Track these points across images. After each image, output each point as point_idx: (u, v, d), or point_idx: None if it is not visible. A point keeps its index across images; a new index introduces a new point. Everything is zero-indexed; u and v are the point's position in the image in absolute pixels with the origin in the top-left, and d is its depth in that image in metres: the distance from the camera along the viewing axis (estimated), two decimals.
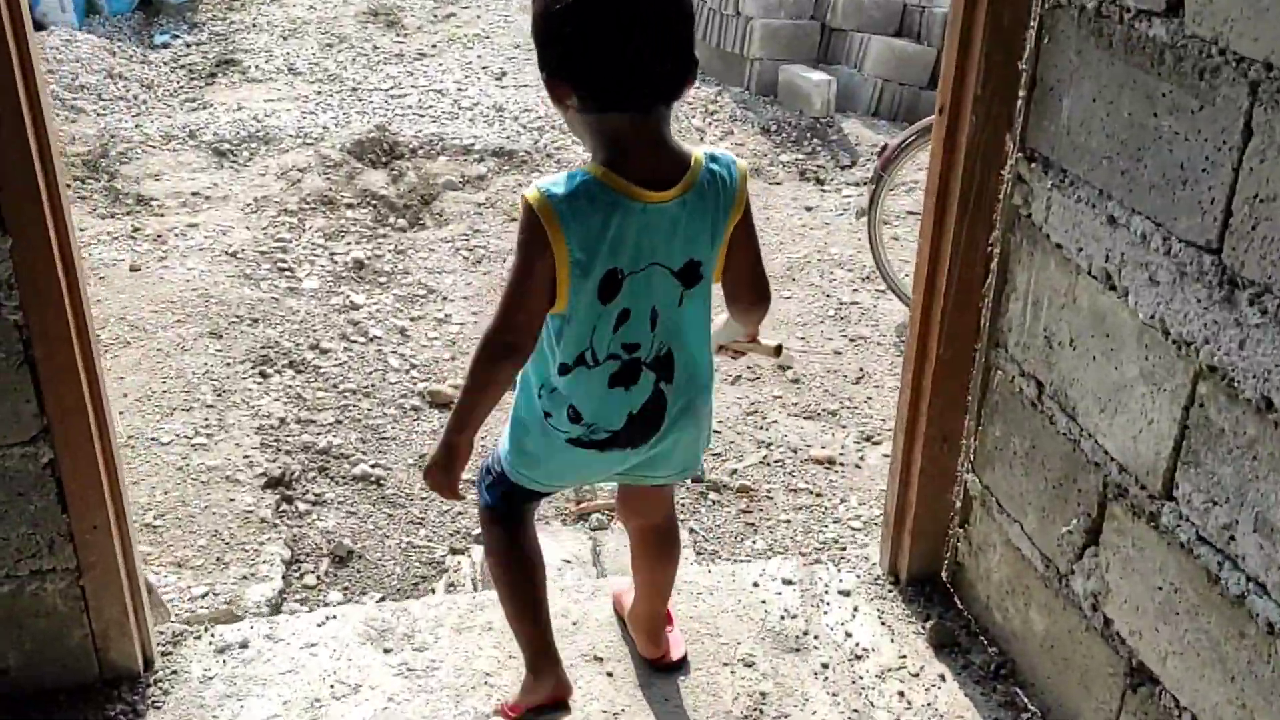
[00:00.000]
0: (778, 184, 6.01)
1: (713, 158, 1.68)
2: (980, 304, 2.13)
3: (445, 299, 4.65)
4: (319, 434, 3.70)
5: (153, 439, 3.54)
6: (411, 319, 4.48)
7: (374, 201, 5.34)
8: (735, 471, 3.65)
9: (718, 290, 1.84)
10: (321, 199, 5.26)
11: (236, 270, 4.58)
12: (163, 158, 5.53)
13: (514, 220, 5.37)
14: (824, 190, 5.94)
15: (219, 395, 3.80)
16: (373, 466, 3.59)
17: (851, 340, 4.52)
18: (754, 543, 3.32)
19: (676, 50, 1.54)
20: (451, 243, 5.08)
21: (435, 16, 7.97)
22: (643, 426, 1.78)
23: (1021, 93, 1.89)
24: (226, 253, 4.69)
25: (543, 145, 6.05)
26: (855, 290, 4.90)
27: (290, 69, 6.96)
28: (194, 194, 5.18)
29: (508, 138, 6.01)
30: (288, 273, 4.65)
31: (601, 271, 1.61)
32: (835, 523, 3.43)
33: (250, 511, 3.26)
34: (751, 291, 1.84)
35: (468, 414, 1.74)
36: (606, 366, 1.72)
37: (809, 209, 5.69)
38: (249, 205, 5.13)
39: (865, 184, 5.85)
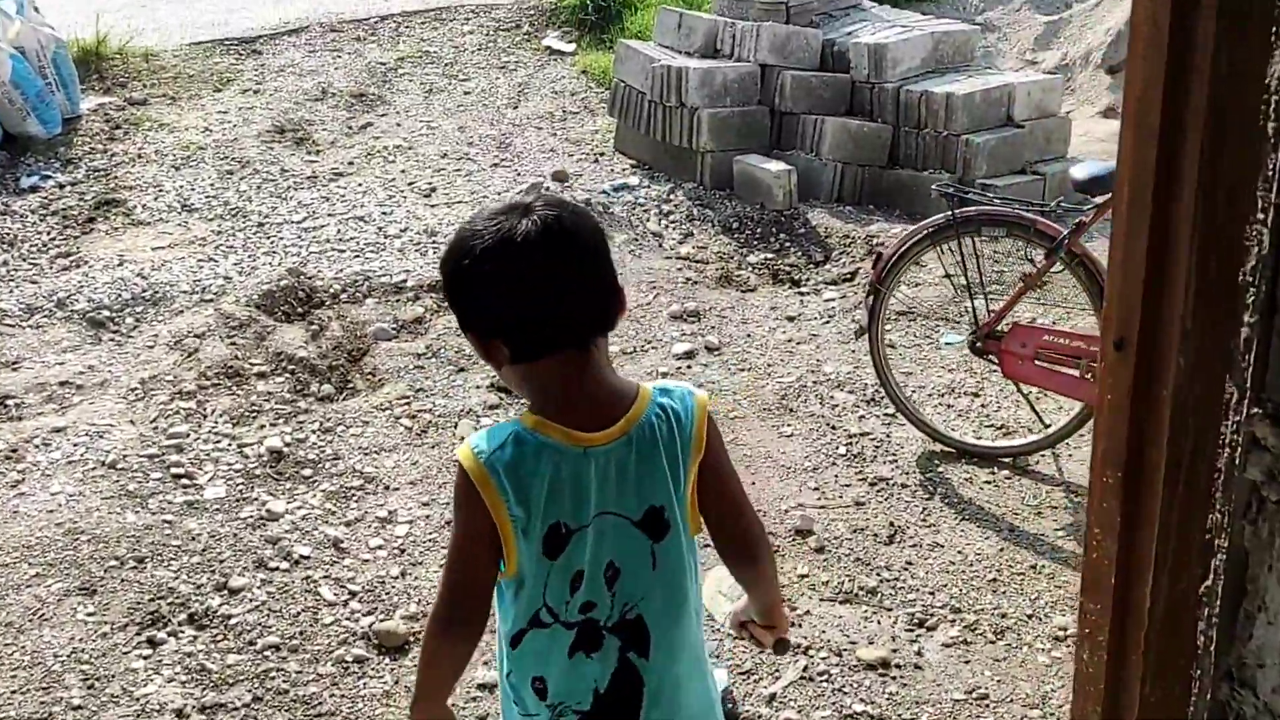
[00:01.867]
0: (751, 290, 5.17)
1: (664, 391, 1.56)
2: (1197, 616, 1.37)
3: (387, 488, 3.69)
4: None
5: None
6: (347, 524, 3.51)
7: (291, 367, 4.38)
8: (774, 698, 2.77)
9: None
10: (225, 371, 4.30)
11: (116, 488, 3.59)
12: (24, 338, 4.55)
13: (461, 370, 4.44)
14: (802, 294, 5.12)
15: (90, 688, 2.80)
16: None
17: (872, 485, 3.66)
18: None
19: (601, 281, 1.50)
20: (389, 410, 4.13)
21: (350, 129, 7.08)
22: (615, 708, 1.56)
23: (1249, 319, 1.19)
24: (102, 464, 3.70)
25: None
26: (862, 417, 4.06)
27: (184, 205, 6.01)
28: (62, 384, 4.20)
29: None
30: (184, 480, 3.67)
31: (543, 527, 1.49)
32: None
33: None
34: (734, 546, 1.65)
35: (425, 689, 1.60)
36: (561, 632, 1.54)
37: (791, 319, 4.85)
38: (133, 391, 4.15)
39: (839, 280, 5.10)
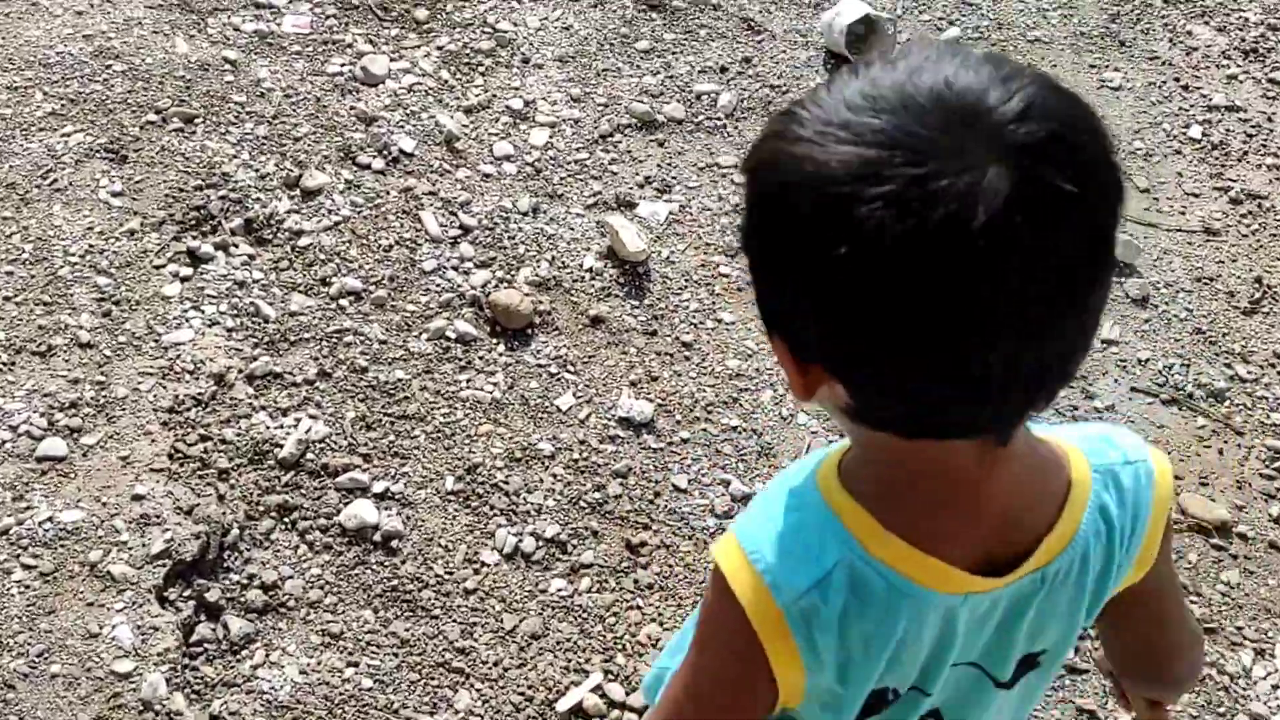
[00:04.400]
0: None
1: (1109, 475, 0.81)
2: None
3: (526, 61, 2.71)
4: (285, 411, 2.01)
5: None
6: (467, 110, 2.58)
7: None
8: None
9: None
10: None
11: None
12: None
13: None
14: None
15: (105, 317, 2.08)
16: (381, 500, 1.93)
17: (1235, 202, 2.59)
18: None
19: (1088, 316, 0.67)
20: None
21: None
22: None
23: None
24: None
25: None
26: (1233, 77, 2.86)
27: None
28: None
29: None
30: None
31: (862, 696, 0.84)
32: None
33: (128, 679, 1.66)
34: (1152, 665, 1.01)
35: None
36: None
37: None
38: None
39: None
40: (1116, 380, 2.24)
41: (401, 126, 2.50)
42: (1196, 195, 2.59)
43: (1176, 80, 2.83)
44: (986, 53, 0.66)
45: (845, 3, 2.80)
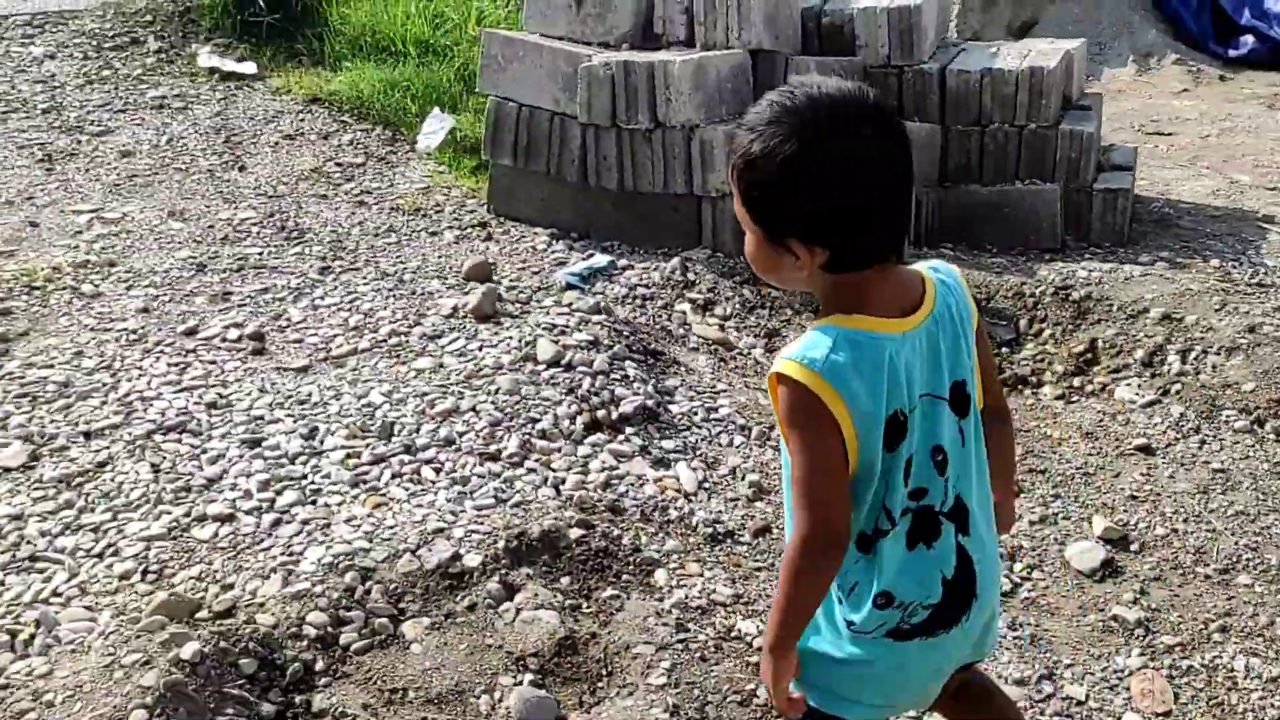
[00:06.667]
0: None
1: (933, 268, 1.55)
2: None
3: None
4: None
5: None
6: None
7: None
8: None
9: None
10: None
11: None
12: None
13: None
14: (1068, 400, 3.13)
15: None
16: None
17: None
18: None
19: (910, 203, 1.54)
20: None
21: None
22: (962, 596, 1.52)
23: None
24: None
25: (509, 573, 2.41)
26: None
27: None
28: None
29: (454, 537, 2.37)
30: None
31: (884, 415, 1.44)
32: None
33: None
34: (999, 402, 1.67)
35: (794, 627, 1.48)
36: (901, 524, 1.49)
37: (1206, 474, 2.80)
38: None
39: (1083, 363, 3.32)
40: None
41: None
42: None
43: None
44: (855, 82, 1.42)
45: None
